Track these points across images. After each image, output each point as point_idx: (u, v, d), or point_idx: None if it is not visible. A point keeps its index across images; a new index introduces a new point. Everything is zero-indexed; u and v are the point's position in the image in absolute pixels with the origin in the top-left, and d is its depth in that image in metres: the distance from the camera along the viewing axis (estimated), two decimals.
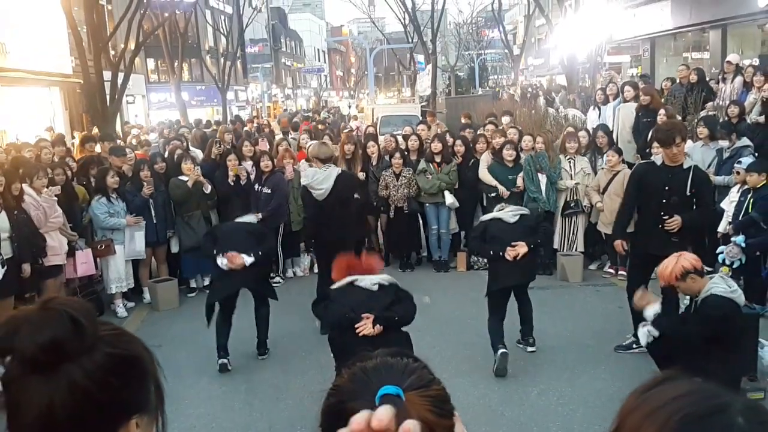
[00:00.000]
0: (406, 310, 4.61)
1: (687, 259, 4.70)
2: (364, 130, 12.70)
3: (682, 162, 5.73)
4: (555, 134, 10.22)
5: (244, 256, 6.00)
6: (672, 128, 5.76)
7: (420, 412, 1.16)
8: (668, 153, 5.66)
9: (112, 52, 18.19)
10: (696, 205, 5.77)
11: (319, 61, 77.23)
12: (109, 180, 7.84)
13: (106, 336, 1.16)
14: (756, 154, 7.75)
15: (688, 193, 5.67)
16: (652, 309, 4.85)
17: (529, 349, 6.27)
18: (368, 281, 4.62)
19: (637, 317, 6.04)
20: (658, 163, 5.86)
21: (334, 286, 4.75)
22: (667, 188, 5.71)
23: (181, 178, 8.47)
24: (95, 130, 13.36)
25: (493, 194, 8.84)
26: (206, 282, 8.54)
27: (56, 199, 7.17)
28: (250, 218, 6.94)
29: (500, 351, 5.72)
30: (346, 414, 1.19)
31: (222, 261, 5.99)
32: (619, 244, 6.15)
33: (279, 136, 13.39)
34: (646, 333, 4.79)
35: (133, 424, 1.16)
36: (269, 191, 8.51)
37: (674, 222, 5.64)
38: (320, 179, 6.84)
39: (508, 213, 6.13)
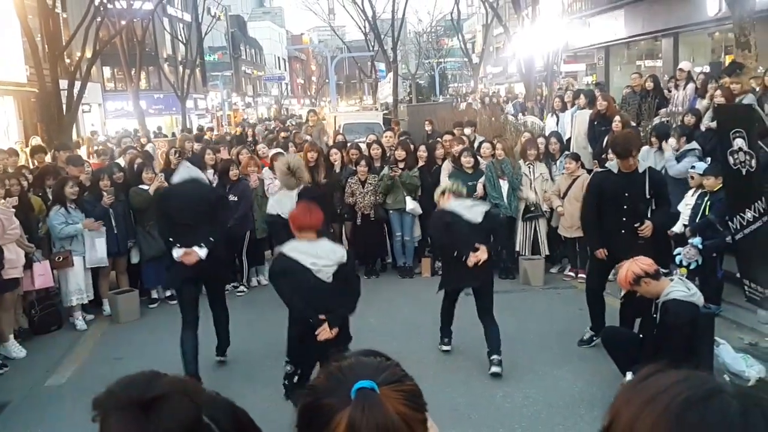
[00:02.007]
0: (352, 296, 4.91)
1: (638, 264, 4.85)
2: (333, 137, 12.68)
3: (636, 167, 5.94)
4: (514, 141, 10.37)
5: (196, 249, 5.87)
6: (628, 142, 6.00)
7: (395, 405, 1.21)
8: (625, 164, 5.90)
9: (68, 61, 17.88)
10: (655, 205, 5.99)
11: (279, 69, 76.94)
12: (67, 190, 7.70)
13: None
14: (709, 158, 7.98)
15: (647, 196, 5.89)
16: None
17: (494, 369, 5.80)
18: (325, 272, 4.75)
19: (595, 314, 6.28)
20: (615, 170, 6.04)
21: (286, 250, 4.85)
22: (626, 194, 5.90)
23: (141, 187, 8.38)
24: (35, 141, 13.14)
25: None
26: (168, 293, 8.46)
27: (13, 210, 7.02)
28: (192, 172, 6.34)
29: (443, 348, 6.33)
30: (322, 410, 1.22)
31: (177, 254, 5.89)
32: (601, 252, 6.25)
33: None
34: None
35: None
36: (236, 199, 8.48)
37: (646, 228, 5.86)
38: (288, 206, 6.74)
39: (475, 211, 5.98)
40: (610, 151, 6.79)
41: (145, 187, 8.34)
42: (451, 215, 5.96)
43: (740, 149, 6.25)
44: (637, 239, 5.87)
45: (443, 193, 6.21)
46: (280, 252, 4.85)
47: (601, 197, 6.12)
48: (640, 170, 5.94)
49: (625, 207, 5.92)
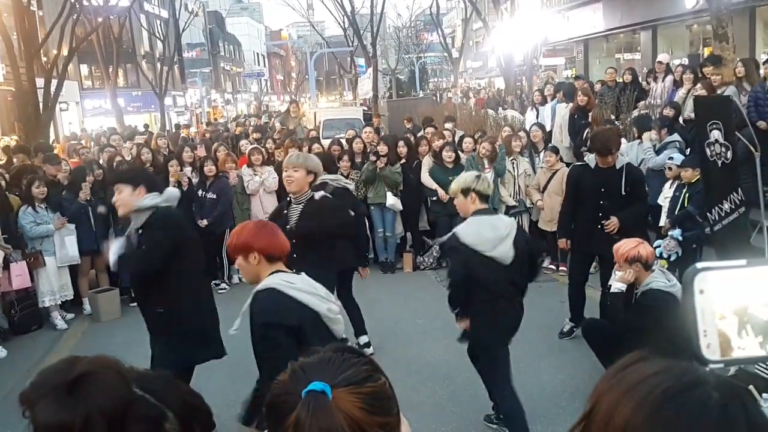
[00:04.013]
0: None
1: (646, 248, 4.80)
2: (306, 134, 12.61)
3: (614, 163, 5.99)
4: (494, 135, 10.41)
5: None
6: (608, 140, 6.01)
7: (348, 408, 1.19)
8: (603, 161, 5.96)
9: (44, 59, 17.68)
10: (631, 201, 6.04)
11: (258, 65, 76.52)
12: (34, 190, 7.63)
13: None
14: (688, 149, 8.06)
15: (623, 193, 5.93)
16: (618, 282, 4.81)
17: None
18: (338, 322, 3.15)
19: (576, 308, 6.35)
20: (592, 165, 6.10)
21: (277, 285, 3.06)
22: (602, 190, 5.96)
23: None
24: (2, 142, 12.99)
25: (434, 198, 8.95)
26: None
27: None
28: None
29: None
30: (280, 407, 1.22)
31: None
32: (564, 242, 6.39)
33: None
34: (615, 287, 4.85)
35: None
36: (214, 196, 8.44)
37: (611, 224, 5.91)
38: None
39: (502, 249, 4.27)
40: (588, 145, 6.86)
41: None
42: (476, 255, 4.24)
43: (716, 141, 6.30)
44: (613, 234, 5.91)
45: (464, 191, 4.43)
46: (268, 289, 3.05)
47: (577, 191, 6.18)
48: (618, 166, 5.99)
49: (601, 202, 5.99)
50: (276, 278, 3.09)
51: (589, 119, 9.29)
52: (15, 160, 10.04)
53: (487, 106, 18.66)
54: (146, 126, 26.98)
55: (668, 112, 8.95)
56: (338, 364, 1.27)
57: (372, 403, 1.22)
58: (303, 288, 3.06)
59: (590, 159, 6.19)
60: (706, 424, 0.89)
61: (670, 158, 7.59)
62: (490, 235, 4.27)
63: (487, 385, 4.61)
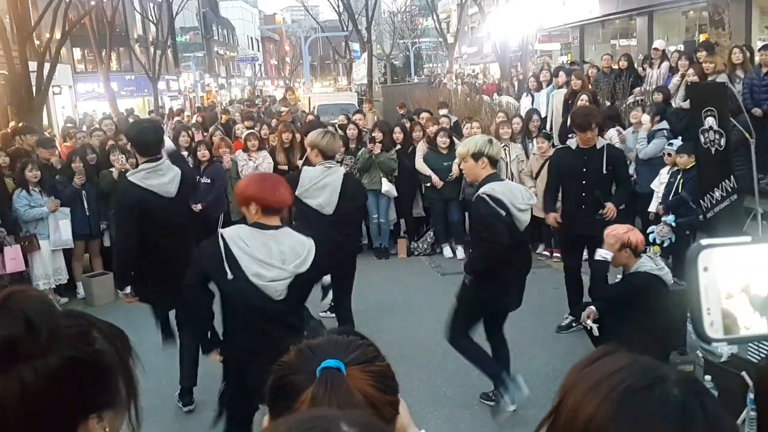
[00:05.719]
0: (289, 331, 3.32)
1: (635, 235, 4.83)
2: (304, 118, 12.54)
3: (595, 143, 5.99)
4: (489, 121, 10.40)
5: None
6: (588, 114, 6.03)
7: (361, 386, 1.22)
8: (583, 137, 5.93)
9: (37, 42, 17.54)
10: (615, 182, 6.06)
11: (252, 49, 76.06)
12: (27, 174, 7.61)
13: (69, 337, 1.11)
14: (681, 138, 8.06)
15: (604, 172, 5.95)
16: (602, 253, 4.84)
17: (511, 407, 4.88)
18: (274, 288, 3.22)
19: (573, 298, 6.31)
20: (573, 147, 6.11)
21: (227, 236, 3.28)
22: (584, 170, 5.97)
23: (112, 169, 8.31)
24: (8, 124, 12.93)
25: (428, 184, 8.95)
26: None
27: None
28: None
29: (509, 408, 4.75)
30: (287, 387, 1.23)
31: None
32: (552, 217, 6.37)
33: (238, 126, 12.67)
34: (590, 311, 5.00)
35: (92, 422, 1.12)
36: (209, 181, 8.42)
37: (609, 211, 5.91)
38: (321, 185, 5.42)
39: (526, 214, 4.65)
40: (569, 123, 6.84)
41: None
42: (507, 214, 4.45)
43: (710, 128, 6.31)
44: (596, 214, 5.92)
45: (475, 156, 4.47)
46: (212, 239, 3.34)
47: (559, 173, 6.20)
48: (598, 146, 6.00)
49: (583, 182, 6.00)
50: (235, 229, 3.37)
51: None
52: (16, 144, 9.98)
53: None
54: (131, 110, 26.86)
55: (657, 97, 8.93)
56: (345, 344, 1.30)
57: (381, 381, 1.27)
58: (244, 248, 3.22)
59: (572, 142, 6.20)
60: (665, 422, 0.90)
61: (670, 144, 7.59)
62: (519, 197, 4.55)
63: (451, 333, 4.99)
